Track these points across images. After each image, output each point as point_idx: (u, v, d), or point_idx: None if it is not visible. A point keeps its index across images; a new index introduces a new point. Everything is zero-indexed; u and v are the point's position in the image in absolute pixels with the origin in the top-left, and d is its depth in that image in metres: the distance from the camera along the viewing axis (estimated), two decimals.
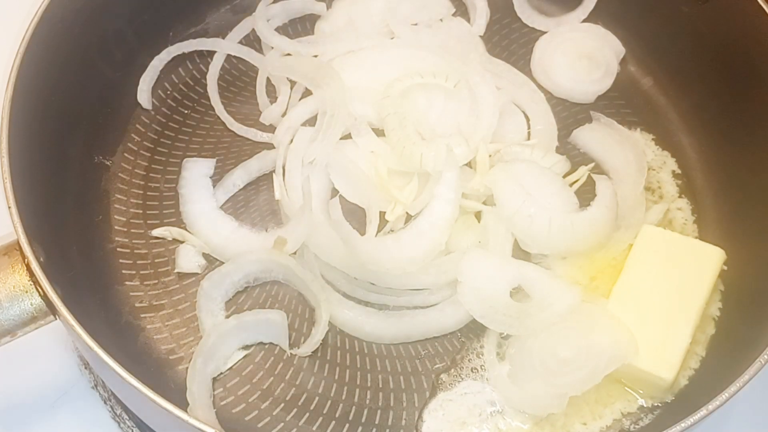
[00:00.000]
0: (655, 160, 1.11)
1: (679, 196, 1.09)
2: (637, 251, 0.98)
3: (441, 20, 1.19)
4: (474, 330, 0.98)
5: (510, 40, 1.21)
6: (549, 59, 1.17)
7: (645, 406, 0.94)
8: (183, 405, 0.88)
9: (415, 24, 1.18)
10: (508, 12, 1.22)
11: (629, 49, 1.19)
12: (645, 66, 1.18)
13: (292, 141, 1.07)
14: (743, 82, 1.05)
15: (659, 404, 0.94)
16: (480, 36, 1.19)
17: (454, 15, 1.21)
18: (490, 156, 1.04)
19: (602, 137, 1.11)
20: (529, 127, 1.11)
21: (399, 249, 0.98)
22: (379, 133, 1.06)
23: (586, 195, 1.04)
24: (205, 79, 1.15)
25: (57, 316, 0.84)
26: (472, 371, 0.96)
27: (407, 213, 1.01)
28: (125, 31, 1.11)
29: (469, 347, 0.98)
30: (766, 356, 0.81)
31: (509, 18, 1.22)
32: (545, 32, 1.21)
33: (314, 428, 0.93)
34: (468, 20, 1.21)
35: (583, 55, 1.17)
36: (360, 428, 0.93)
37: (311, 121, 1.09)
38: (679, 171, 1.11)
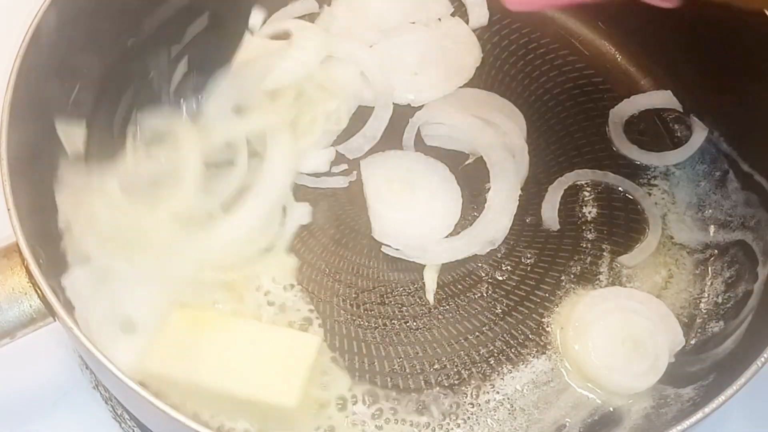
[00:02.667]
0: None
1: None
2: None
3: (439, 19, 1.19)
4: None
5: (510, 41, 1.20)
6: (588, 324, 0.96)
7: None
8: None
9: (413, 23, 1.18)
10: (508, 12, 1.21)
11: (629, 48, 1.18)
12: (645, 66, 1.18)
13: None
14: (744, 82, 1.04)
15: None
16: (479, 36, 1.19)
17: (452, 15, 1.21)
18: None
19: None
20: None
21: None
22: None
23: None
24: None
25: (56, 318, 0.84)
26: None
27: None
28: (125, 35, 1.11)
29: None
30: (763, 359, 0.81)
31: (509, 18, 1.22)
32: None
33: None
34: (467, 20, 1.21)
35: (630, 337, 0.95)
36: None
37: None
38: None
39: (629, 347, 0.94)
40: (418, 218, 1.03)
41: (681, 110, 1.14)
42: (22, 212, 0.85)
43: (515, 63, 1.17)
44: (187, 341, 0.88)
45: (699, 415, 0.78)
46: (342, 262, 1.02)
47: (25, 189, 0.88)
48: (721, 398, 0.79)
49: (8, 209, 0.84)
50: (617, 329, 0.95)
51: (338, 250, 1.03)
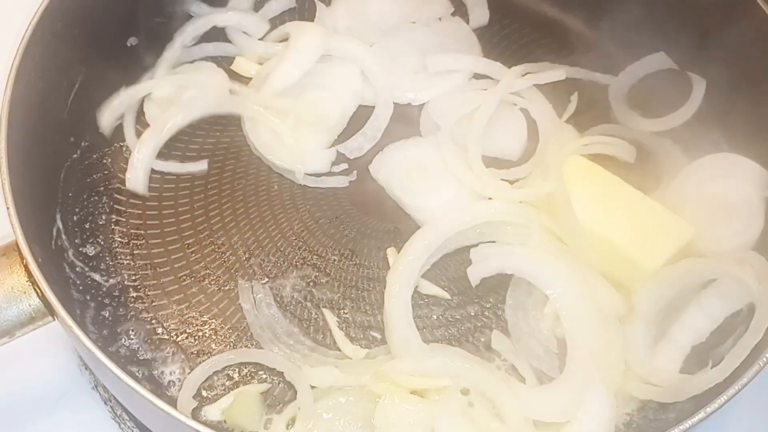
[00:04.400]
0: None
1: None
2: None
3: (439, 19, 1.19)
4: None
5: (510, 41, 1.21)
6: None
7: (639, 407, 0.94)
8: None
9: (413, 22, 1.18)
10: (508, 12, 1.22)
11: (633, 49, 1.18)
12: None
13: None
14: (746, 82, 1.05)
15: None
16: (479, 36, 1.19)
17: (452, 14, 1.21)
18: None
19: None
20: None
21: None
22: None
23: None
24: None
25: (55, 317, 0.84)
26: None
27: None
28: (126, 32, 1.11)
29: None
30: (764, 359, 0.81)
31: (509, 18, 1.22)
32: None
33: None
34: (467, 20, 1.21)
35: (718, 204, 1.01)
36: None
37: None
38: None
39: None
40: (438, 203, 1.04)
41: (677, 68, 1.14)
42: (21, 211, 0.85)
43: (516, 63, 1.17)
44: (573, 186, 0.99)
45: (701, 414, 0.78)
46: (344, 262, 1.03)
47: (25, 187, 0.88)
48: (723, 398, 0.79)
49: (7, 207, 0.84)
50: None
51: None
